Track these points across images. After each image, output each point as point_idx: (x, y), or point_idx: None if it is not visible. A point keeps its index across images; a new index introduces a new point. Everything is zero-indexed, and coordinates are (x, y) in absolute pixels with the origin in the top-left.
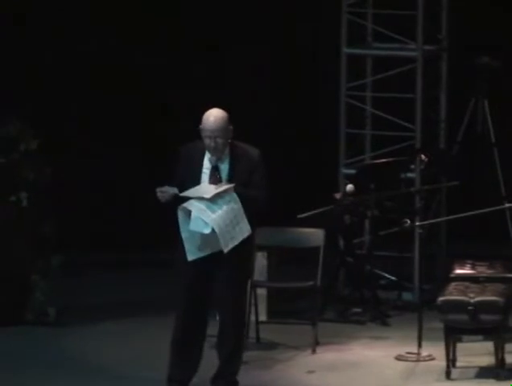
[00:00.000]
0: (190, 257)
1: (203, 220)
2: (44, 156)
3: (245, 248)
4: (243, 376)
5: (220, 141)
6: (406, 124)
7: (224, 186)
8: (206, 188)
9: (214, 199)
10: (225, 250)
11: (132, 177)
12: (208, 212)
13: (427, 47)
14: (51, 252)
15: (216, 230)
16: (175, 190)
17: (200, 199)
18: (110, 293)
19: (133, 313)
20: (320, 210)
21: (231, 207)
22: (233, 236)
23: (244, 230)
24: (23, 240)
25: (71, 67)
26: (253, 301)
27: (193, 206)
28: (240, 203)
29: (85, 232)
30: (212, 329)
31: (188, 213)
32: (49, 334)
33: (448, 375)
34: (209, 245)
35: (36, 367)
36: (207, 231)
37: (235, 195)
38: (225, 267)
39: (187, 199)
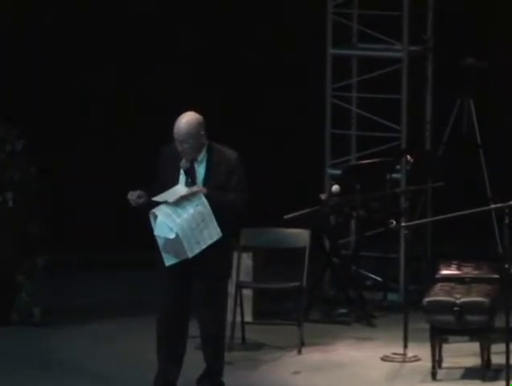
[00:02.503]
0: (167, 263)
1: (168, 225)
2: (30, 156)
3: (224, 248)
4: (229, 377)
5: (186, 146)
6: (391, 124)
7: (192, 189)
8: (179, 191)
9: (181, 203)
10: (190, 255)
11: (119, 176)
12: (174, 217)
13: (412, 48)
14: (38, 253)
15: (180, 234)
16: (144, 195)
17: (166, 202)
18: (98, 293)
19: (120, 313)
20: (306, 210)
21: (198, 211)
22: (199, 241)
23: (213, 234)
24: (10, 240)
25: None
26: (238, 301)
27: (160, 210)
28: (209, 207)
29: (73, 233)
30: (198, 330)
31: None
32: (36, 334)
33: (433, 376)
34: (180, 252)
35: (24, 368)
36: (171, 236)
37: (204, 198)
38: (203, 267)
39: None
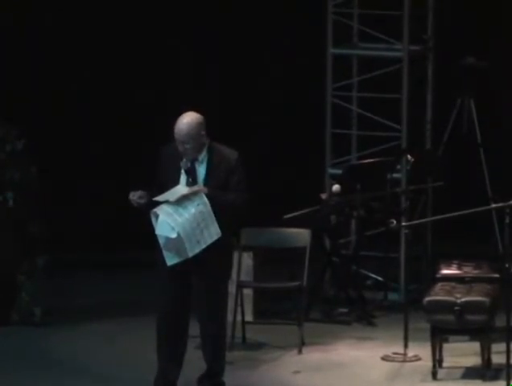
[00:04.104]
0: (169, 262)
1: (169, 224)
2: (30, 156)
3: (224, 248)
4: (229, 376)
5: (188, 146)
6: (392, 124)
7: (193, 189)
8: (180, 191)
9: (182, 202)
10: (190, 254)
11: (119, 176)
12: (175, 216)
13: (412, 48)
14: (38, 253)
15: (182, 234)
16: (146, 196)
17: (167, 202)
18: (98, 293)
19: (120, 313)
20: (307, 210)
21: (199, 211)
22: (199, 240)
23: (213, 233)
24: (10, 240)
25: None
26: (239, 301)
27: (162, 210)
28: (209, 206)
29: (73, 232)
30: (198, 330)
31: (158, 217)
32: (36, 334)
33: (434, 376)
34: (180, 251)
35: (24, 368)
36: (173, 235)
37: (205, 198)
38: (203, 266)
39: (164, 202)
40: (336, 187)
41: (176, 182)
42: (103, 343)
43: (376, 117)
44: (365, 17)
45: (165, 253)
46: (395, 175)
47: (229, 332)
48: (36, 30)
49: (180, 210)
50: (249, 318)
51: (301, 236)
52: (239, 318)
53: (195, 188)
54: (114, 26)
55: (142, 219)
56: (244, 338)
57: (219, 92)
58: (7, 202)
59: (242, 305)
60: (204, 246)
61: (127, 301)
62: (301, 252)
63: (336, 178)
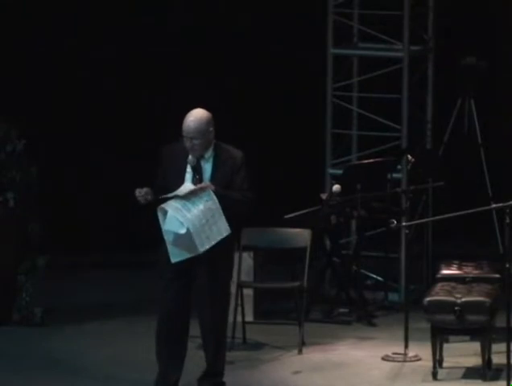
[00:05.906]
0: (173, 259)
1: (178, 220)
2: (30, 156)
3: (227, 248)
4: (229, 376)
5: (197, 142)
6: (392, 124)
7: (200, 185)
8: (187, 187)
9: (191, 198)
10: (201, 250)
11: (119, 176)
12: (184, 212)
13: (413, 48)
14: (38, 253)
15: (191, 229)
16: (151, 193)
17: (175, 197)
18: (98, 293)
19: (120, 313)
20: (307, 210)
21: (208, 207)
22: (209, 236)
23: (222, 230)
24: (10, 240)
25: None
26: (239, 301)
27: (170, 205)
28: (218, 203)
29: (73, 232)
30: (198, 330)
31: (166, 213)
32: (36, 334)
33: (434, 376)
34: (190, 247)
35: (24, 368)
36: (182, 231)
37: (213, 194)
38: (205, 266)
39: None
40: (336, 187)
41: (181, 180)
42: (103, 343)
43: (376, 117)
44: (365, 17)
45: (171, 249)
46: (395, 175)
47: (229, 332)
48: (38, 30)
49: (189, 205)
50: (249, 318)
51: (301, 236)
52: (239, 318)
53: (202, 185)
54: (114, 25)
55: (142, 219)
56: (244, 338)
57: (219, 91)
58: (8, 202)
59: (243, 306)
60: (213, 242)
61: (127, 301)
62: (301, 252)
63: (336, 178)
